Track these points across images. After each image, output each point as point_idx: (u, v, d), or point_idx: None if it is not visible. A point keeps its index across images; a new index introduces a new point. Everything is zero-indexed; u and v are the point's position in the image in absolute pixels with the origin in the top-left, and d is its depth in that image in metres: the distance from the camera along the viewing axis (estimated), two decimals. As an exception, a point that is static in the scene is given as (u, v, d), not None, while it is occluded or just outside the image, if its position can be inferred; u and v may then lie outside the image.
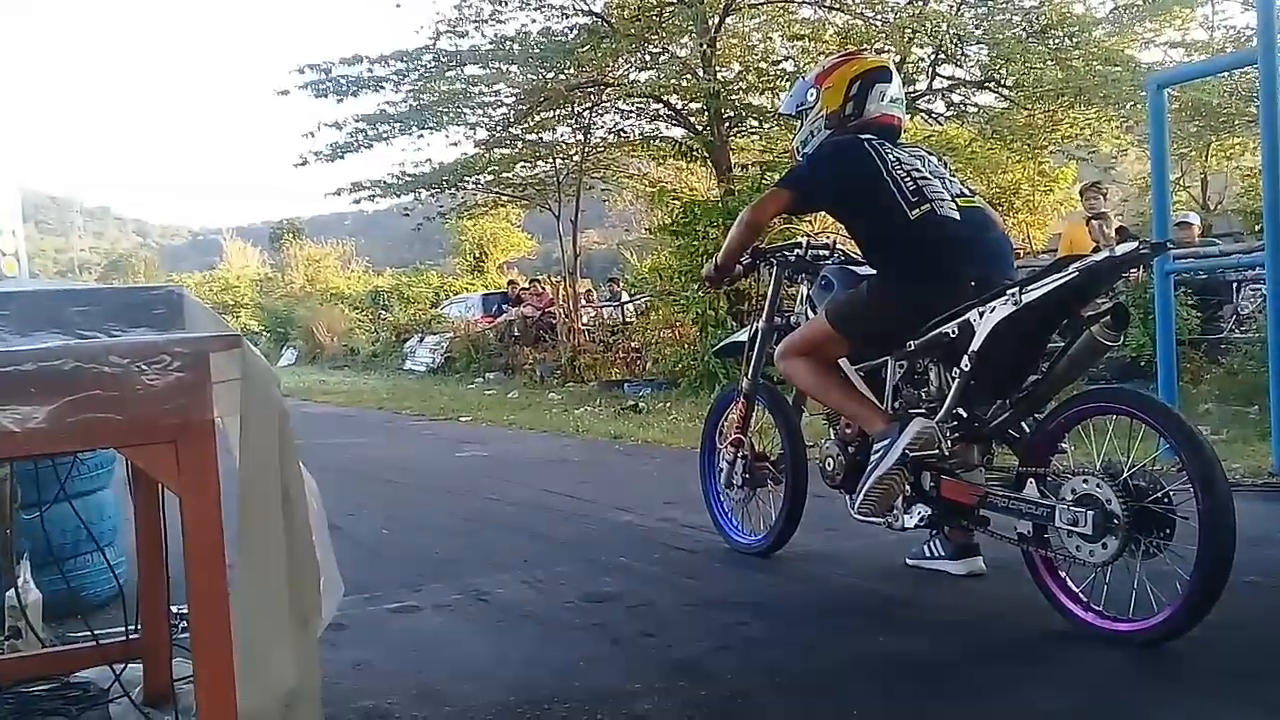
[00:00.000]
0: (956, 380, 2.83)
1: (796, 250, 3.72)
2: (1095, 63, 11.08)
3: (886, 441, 2.93)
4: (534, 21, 12.14)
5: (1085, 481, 2.53)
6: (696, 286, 12.00)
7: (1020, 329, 2.69)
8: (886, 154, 3.09)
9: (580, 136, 14.14)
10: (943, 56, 11.63)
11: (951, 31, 11.04)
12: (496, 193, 17.30)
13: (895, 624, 2.95)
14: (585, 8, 12.16)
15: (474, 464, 7.05)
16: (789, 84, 12.06)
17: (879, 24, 11.57)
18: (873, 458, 2.99)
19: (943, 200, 3.00)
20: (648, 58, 12.32)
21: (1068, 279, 2.54)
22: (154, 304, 2.16)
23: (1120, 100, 11.40)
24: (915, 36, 11.08)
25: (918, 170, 3.06)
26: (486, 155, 14.36)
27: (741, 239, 3.41)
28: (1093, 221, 9.05)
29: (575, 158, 14.68)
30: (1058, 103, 11.75)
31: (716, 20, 11.43)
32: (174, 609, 2.43)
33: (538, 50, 11.86)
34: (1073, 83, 11.08)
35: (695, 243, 11.60)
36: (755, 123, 12.94)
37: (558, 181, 15.15)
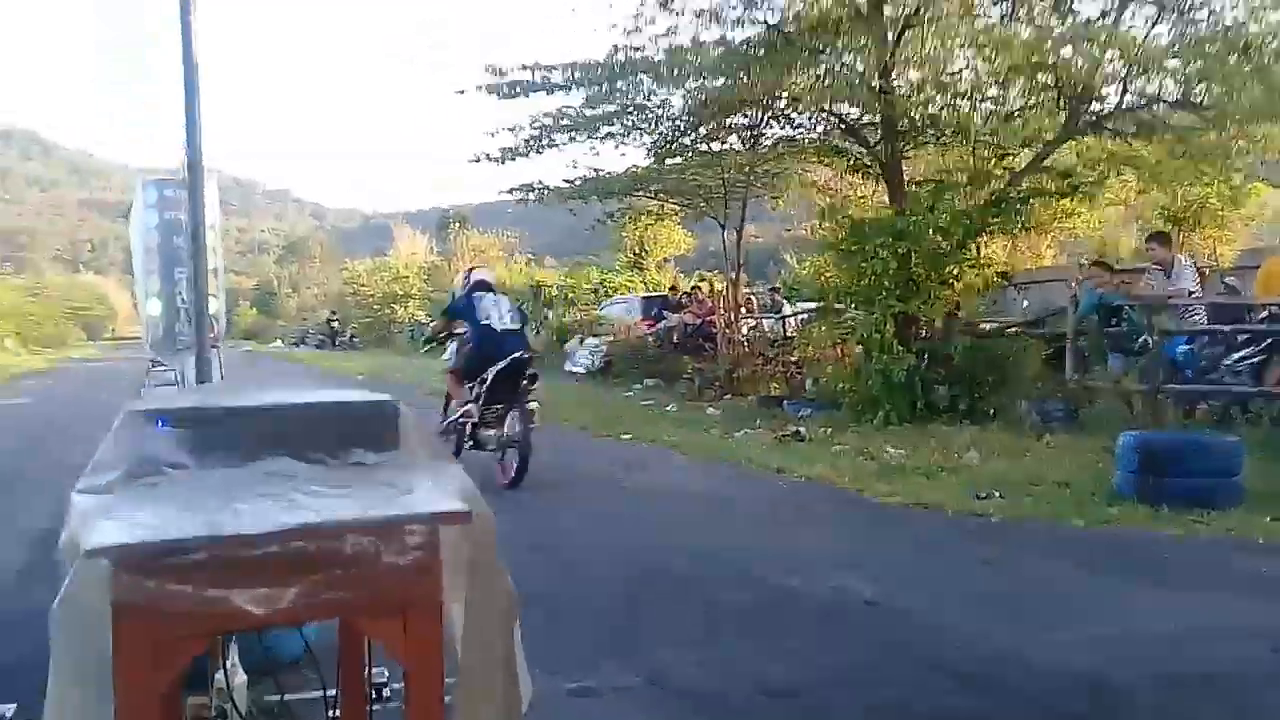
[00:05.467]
0: (483, 391, 7.42)
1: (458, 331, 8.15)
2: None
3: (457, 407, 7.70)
4: (708, 29, 12.07)
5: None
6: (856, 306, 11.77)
7: (501, 377, 7.33)
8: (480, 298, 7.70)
9: (749, 146, 14.01)
10: (1135, 73, 10.93)
11: (1143, 49, 10.36)
12: (664, 199, 17.35)
13: None
14: (761, 19, 12.00)
15: (638, 502, 7.03)
16: (969, 98, 11.63)
17: (1068, 36, 10.97)
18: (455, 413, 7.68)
19: (494, 318, 7.58)
20: (822, 70, 12.06)
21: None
22: (372, 421, 2.22)
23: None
24: (1106, 51, 10.45)
25: (492, 305, 7.63)
26: (657, 166, 14.41)
27: (438, 325, 9.02)
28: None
29: (743, 167, 14.56)
30: (1259, 124, 10.86)
31: (895, 35, 11.08)
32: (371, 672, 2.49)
33: (712, 62, 11.79)
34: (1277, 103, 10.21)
35: (864, 263, 11.31)
36: (931, 135, 12.52)
37: (724, 191, 15.07)
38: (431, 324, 10.80)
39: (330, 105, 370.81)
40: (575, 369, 19.57)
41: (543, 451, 9.52)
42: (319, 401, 2.34)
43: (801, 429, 9.95)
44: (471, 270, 8.62)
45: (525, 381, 7.39)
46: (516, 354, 7.39)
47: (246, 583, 1.52)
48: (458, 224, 52.12)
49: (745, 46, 11.91)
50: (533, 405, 7.38)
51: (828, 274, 12.35)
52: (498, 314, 7.58)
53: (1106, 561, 5.02)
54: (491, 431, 7.51)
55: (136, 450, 1.99)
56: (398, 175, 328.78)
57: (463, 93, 12.77)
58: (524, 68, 12.62)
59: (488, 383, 7.37)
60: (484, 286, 7.84)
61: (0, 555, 5.52)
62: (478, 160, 13.46)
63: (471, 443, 7.60)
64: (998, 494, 6.45)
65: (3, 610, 4.41)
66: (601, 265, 34.25)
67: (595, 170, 14.70)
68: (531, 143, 13.04)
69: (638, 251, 32.31)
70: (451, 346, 8.32)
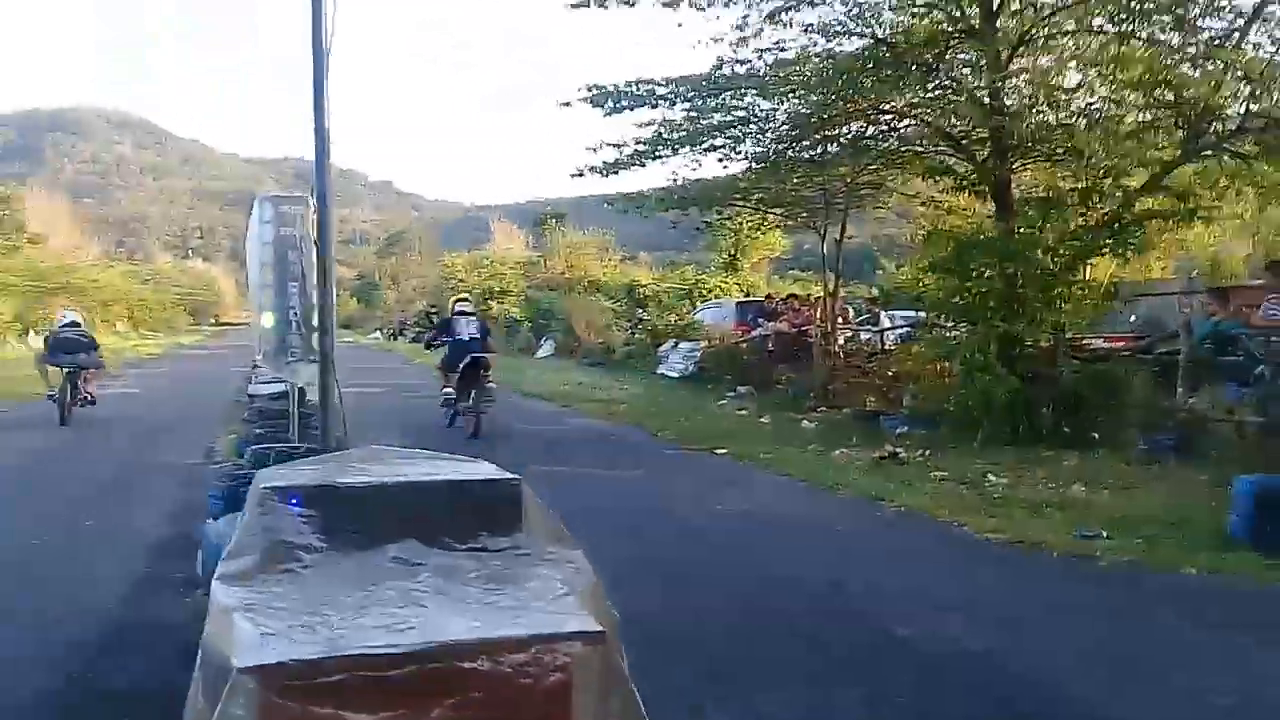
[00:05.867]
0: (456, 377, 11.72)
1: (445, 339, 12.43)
2: None
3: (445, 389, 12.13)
4: (814, 43, 12.02)
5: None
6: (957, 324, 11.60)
7: (466, 370, 11.59)
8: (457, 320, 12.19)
9: (851, 158, 13.91)
10: (1259, 92, 10.52)
11: (1269, 67, 9.97)
12: (764, 210, 17.34)
13: None
14: (869, 33, 11.90)
15: (733, 528, 6.98)
16: (1084, 115, 11.34)
17: (1189, 53, 10.62)
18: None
19: (464, 333, 11.90)
20: (930, 86, 11.92)
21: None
22: (495, 500, 2.34)
23: None
24: (1229, 70, 10.10)
25: (464, 325, 11.98)
26: (758, 178, 14.42)
27: (432, 335, 13.67)
28: None
29: (845, 178, 14.47)
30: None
31: (1008, 51, 10.88)
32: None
33: (818, 77, 11.75)
34: None
35: (968, 282, 11.16)
36: (1042, 151, 12.26)
37: (825, 203, 14.98)
38: (428, 334, 15.48)
39: (433, 99, 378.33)
40: (669, 372, 19.72)
41: (635, 466, 9.73)
42: (443, 480, 2.46)
43: (900, 450, 9.87)
44: (457, 300, 13.29)
45: (482, 371, 11.47)
46: (476, 354, 11.57)
47: (385, 705, 1.59)
48: (553, 221, 52.70)
49: (853, 60, 11.83)
50: (490, 385, 11.58)
51: (929, 285, 12.14)
52: (467, 331, 11.97)
53: (1221, 615, 4.92)
54: (463, 404, 11.61)
55: (271, 533, 2.14)
56: (496, 169, 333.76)
57: (568, 105, 12.95)
58: (628, 83, 12.78)
59: (459, 372, 11.54)
60: (462, 312, 12.33)
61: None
62: (580, 174, 13.65)
63: (455, 413, 11.90)
64: (1105, 534, 6.34)
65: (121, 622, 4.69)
66: (697, 264, 34.29)
67: (697, 180, 14.75)
68: (635, 157, 13.18)
69: (734, 253, 32.28)
70: (443, 351, 12.30)
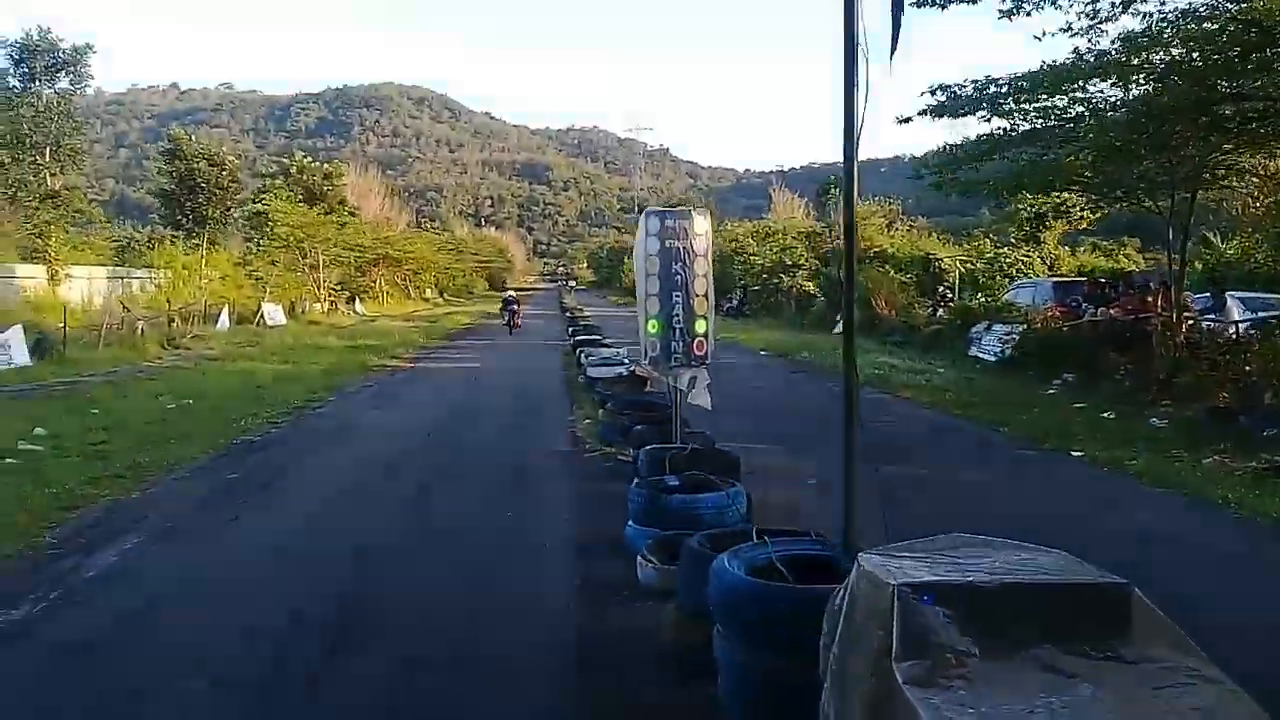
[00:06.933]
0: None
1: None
2: None
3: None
4: (1173, 26, 11.42)
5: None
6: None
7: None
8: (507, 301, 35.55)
9: (1202, 143, 13.11)
10: None
11: None
12: (1103, 194, 16.60)
13: None
14: (1230, 12, 11.17)
15: (1132, 553, 6.14)
16: None
17: None
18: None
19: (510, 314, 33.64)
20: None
21: None
22: (1101, 604, 2.57)
23: None
24: None
25: (509, 304, 35.46)
26: (1098, 161, 13.90)
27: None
28: None
29: (1195, 160, 13.65)
30: None
31: None
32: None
33: (1180, 63, 11.20)
34: None
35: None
36: None
37: (1172, 186, 14.18)
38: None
39: (708, 63, 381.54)
40: (983, 355, 19.35)
41: (987, 468, 9.69)
42: (1062, 584, 2.68)
43: None
44: (507, 289, 27.19)
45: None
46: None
47: None
48: (836, 189, 52.09)
49: (1216, 40, 11.16)
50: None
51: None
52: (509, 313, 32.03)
53: None
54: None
55: (924, 635, 2.45)
56: (771, 133, 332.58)
57: (908, 120, 13.02)
58: (961, 84, 12.70)
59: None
60: (510, 300, 33.34)
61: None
62: (920, 175, 13.70)
63: None
64: None
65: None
66: (994, 237, 32.93)
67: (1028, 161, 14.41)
68: (972, 150, 13.10)
69: (1034, 225, 30.73)
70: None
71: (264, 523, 7.67)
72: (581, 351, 18.37)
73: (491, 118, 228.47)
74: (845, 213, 4.11)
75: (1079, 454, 10.22)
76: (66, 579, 5.98)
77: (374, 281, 56.91)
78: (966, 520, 7.10)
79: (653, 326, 8.73)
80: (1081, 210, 23.94)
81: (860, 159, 3.99)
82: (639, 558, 5.70)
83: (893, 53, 3.62)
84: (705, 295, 8.83)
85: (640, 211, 9.84)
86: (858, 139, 3.82)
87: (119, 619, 5.33)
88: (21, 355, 18.92)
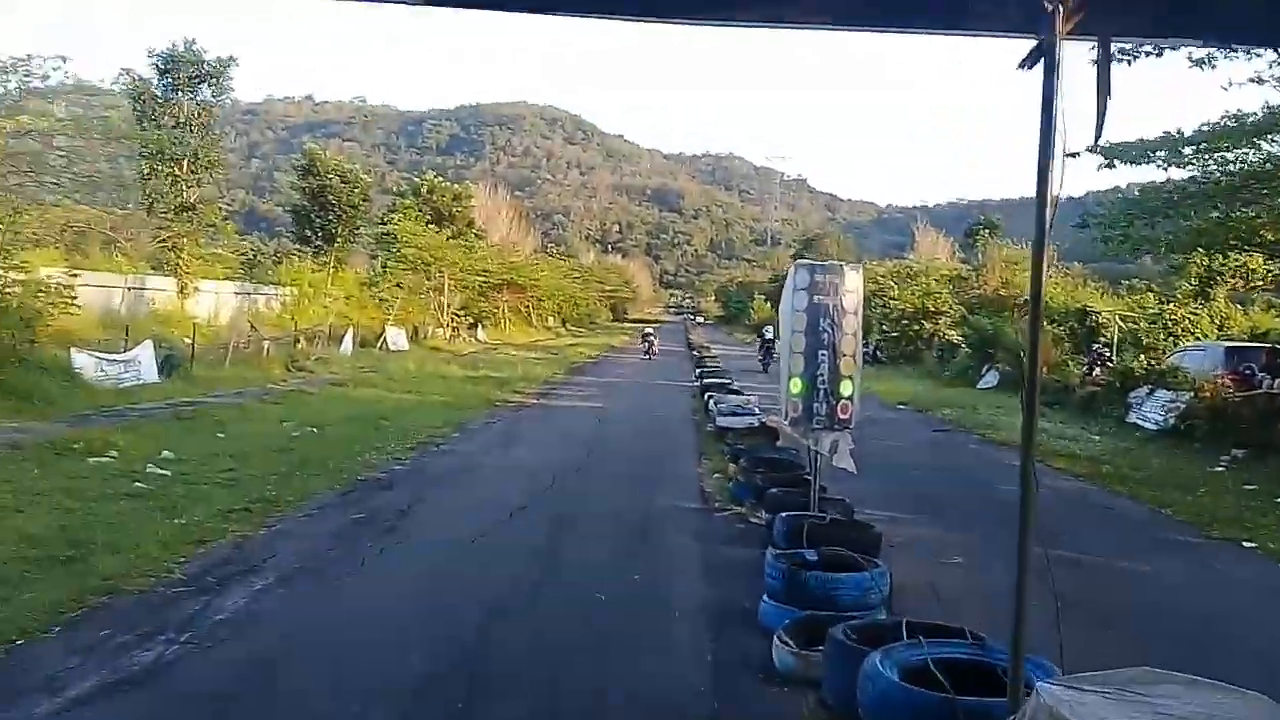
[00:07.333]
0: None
1: None
2: None
3: None
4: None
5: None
6: None
7: None
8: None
9: None
10: None
11: None
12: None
13: None
14: None
15: None
16: None
17: None
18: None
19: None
20: None
21: None
22: None
23: None
24: None
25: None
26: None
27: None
28: None
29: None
30: None
31: None
32: None
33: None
34: None
35: None
36: None
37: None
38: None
39: (849, 90, 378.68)
40: (1142, 423, 18.22)
41: (1146, 557, 8.93)
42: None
43: None
44: (645, 328, 40.97)
45: None
46: None
47: None
48: (985, 230, 50.43)
49: None
50: None
51: None
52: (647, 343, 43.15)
53: None
54: None
55: None
56: (915, 167, 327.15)
57: (1076, 155, 12.45)
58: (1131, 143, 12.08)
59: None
60: (649, 334, 44.01)
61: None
62: (1085, 225, 13.06)
63: None
64: None
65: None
66: (1158, 291, 31.06)
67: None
68: (1146, 205, 12.41)
69: (1205, 279, 28.79)
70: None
71: (390, 569, 7.67)
72: (710, 397, 18.18)
73: (625, 140, 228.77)
74: (1033, 304, 3.75)
75: (1250, 544, 9.43)
76: (195, 621, 6.05)
77: (496, 307, 56.92)
78: (1134, 623, 6.70)
79: (796, 386, 8.39)
80: (1265, 272, 22.38)
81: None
82: (776, 639, 5.46)
83: (1097, 136, 3.33)
84: (853, 356, 8.45)
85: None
86: (1050, 226, 3.51)
87: (247, 670, 5.37)
88: (150, 372, 19.33)
